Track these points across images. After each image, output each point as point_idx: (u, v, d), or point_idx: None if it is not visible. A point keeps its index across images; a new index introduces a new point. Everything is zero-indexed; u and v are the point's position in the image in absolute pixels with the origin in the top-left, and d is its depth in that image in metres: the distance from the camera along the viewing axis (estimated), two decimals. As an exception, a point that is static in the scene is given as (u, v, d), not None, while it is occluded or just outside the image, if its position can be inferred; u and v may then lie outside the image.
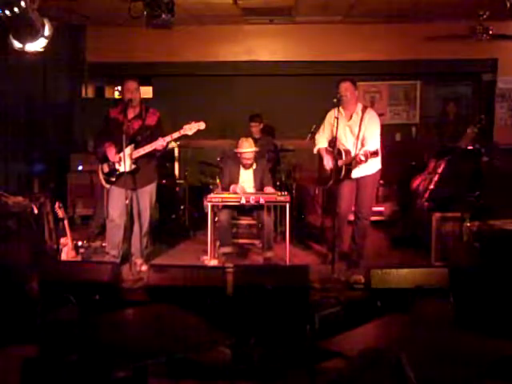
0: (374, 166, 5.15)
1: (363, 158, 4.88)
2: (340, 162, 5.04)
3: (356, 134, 5.12)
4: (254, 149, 5.64)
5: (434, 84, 8.26)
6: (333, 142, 5.24)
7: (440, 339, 2.65)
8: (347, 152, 5.09)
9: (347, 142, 5.15)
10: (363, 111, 5.14)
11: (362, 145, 5.07)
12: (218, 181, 6.43)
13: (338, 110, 4.95)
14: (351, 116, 5.15)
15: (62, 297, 3.46)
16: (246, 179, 5.71)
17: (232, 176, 5.69)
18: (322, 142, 5.35)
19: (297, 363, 3.24)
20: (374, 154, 4.86)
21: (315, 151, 5.42)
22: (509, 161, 6.57)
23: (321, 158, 5.39)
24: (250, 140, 5.73)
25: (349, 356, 2.30)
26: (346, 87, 5.05)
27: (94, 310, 3.51)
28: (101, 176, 5.27)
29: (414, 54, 7.73)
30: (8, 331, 3.25)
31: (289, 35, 7.90)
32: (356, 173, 5.14)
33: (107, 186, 5.23)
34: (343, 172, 5.08)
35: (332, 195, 5.23)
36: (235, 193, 5.47)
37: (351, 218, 5.44)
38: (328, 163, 5.20)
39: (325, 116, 5.36)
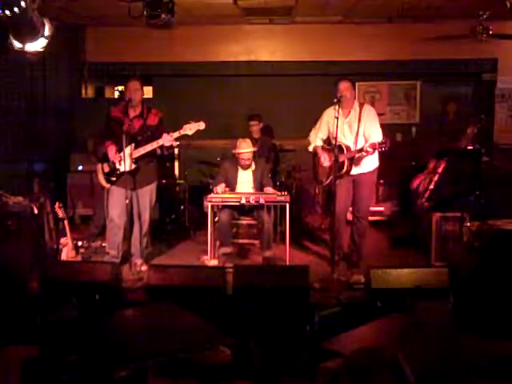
0: (371, 163, 5.15)
1: (370, 150, 4.85)
2: (342, 157, 5.02)
3: (355, 130, 5.11)
4: (251, 149, 5.63)
5: (434, 84, 8.26)
6: (329, 140, 5.25)
7: (440, 339, 2.65)
8: (348, 148, 5.09)
9: (346, 140, 5.14)
10: (360, 107, 5.16)
11: (365, 141, 5.06)
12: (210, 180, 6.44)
13: (338, 110, 4.95)
14: (349, 112, 5.16)
15: (62, 297, 3.46)
16: (246, 180, 5.71)
17: (229, 177, 5.68)
18: (317, 140, 5.34)
19: (297, 363, 3.24)
20: (382, 144, 4.79)
21: (311, 149, 5.41)
22: (509, 161, 6.57)
23: (316, 157, 5.39)
24: (248, 140, 5.73)
25: (347, 355, 2.30)
26: (345, 87, 5.06)
27: (94, 309, 3.51)
28: (100, 176, 5.26)
29: (414, 54, 7.73)
30: (8, 331, 3.25)
31: (289, 35, 7.90)
32: (354, 170, 5.13)
33: (107, 185, 5.23)
34: (345, 167, 5.05)
35: (331, 195, 5.22)
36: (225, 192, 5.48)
37: (350, 218, 5.44)
38: (325, 160, 5.18)
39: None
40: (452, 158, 6.01)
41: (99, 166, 5.26)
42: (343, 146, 5.04)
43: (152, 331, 2.79)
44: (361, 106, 5.19)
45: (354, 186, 5.21)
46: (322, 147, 5.31)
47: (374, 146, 4.83)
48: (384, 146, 4.79)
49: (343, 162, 5.03)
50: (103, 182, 5.25)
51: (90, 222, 6.60)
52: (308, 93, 7.75)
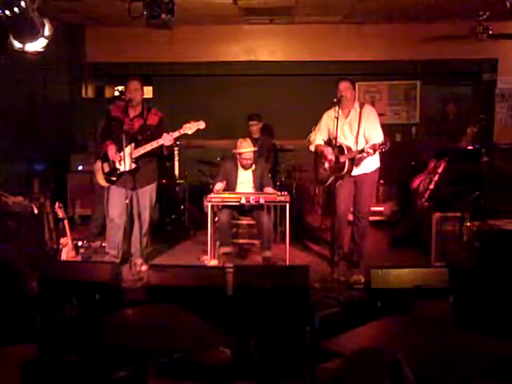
0: (372, 164, 5.15)
1: (371, 151, 4.86)
2: (342, 158, 5.01)
3: (356, 130, 5.11)
4: (252, 149, 5.63)
5: (434, 84, 8.26)
6: (329, 141, 5.25)
7: (440, 339, 2.65)
8: (349, 148, 5.08)
9: (346, 140, 5.14)
10: (361, 107, 5.16)
11: (366, 141, 5.07)
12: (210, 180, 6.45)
13: (338, 110, 4.94)
14: (349, 113, 5.15)
15: (62, 297, 3.46)
16: (246, 180, 5.70)
17: (229, 177, 5.67)
18: (318, 140, 5.34)
19: (297, 363, 3.24)
20: (383, 145, 4.80)
21: (312, 149, 5.40)
22: (509, 161, 6.57)
23: (316, 157, 5.38)
24: (249, 140, 5.72)
25: (347, 355, 2.30)
26: (345, 87, 5.06)
27: (94, 309, 3.51)
28: (98, 175, 5.27)
29: (414, 54, 7.73)
30: (8, 331, 3.24)
31: (289, 35, 7.90)
32: (355, 171, 5.13)
33: (106, 184, 5.23)
34: (346, 168, 5.05)
35: (331, 195, 5.21)
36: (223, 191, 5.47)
37: (350, 218, 5.44)
38: (329, 153, 5.09)
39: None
40: (452, 158, 6.01)
41: (98, 165, 5.26)
42: (344, 147, 5.04)
43: (152, 331, 2.78)
44: (361, 106, 5.19)
45: (356, 186, 5.21)
46: (325, 143, 5.30)
47: (374, 147, 4.84)
48: (384, 146, 4.79)
49: (344, 163, 5.02)
50: (101, 182, 5.26)
51: (90, 222, 6.60)
52: (308, 93, 7.75)
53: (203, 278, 3.75)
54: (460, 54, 7.62)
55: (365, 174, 5.16)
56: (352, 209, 5.35)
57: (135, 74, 6.40)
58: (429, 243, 5.37)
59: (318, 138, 5.33)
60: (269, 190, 5.55)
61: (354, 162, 5.08)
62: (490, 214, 5.03)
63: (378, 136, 5.01)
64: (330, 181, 5.18)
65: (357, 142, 5.11)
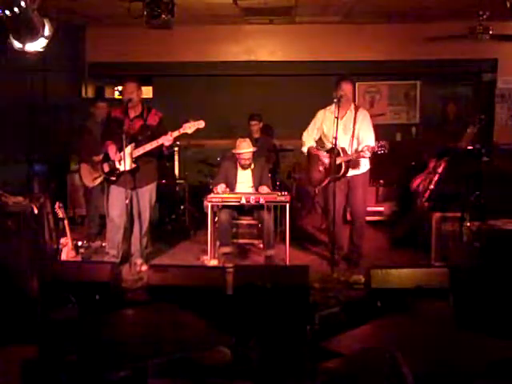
0: (364, 165, 5.23)
1: (368, 153, 4.91)
2: (339, 160, 5.03)
3: (350, 132, 5.17)
4: (251, 149, 5.62)
5: (434, 84, 8.26)
6: (321, 141, 5.28)
7: (440, 339, 2.65)
8: (343, 150, 5.12)
9: (340, 140, 5.15)
10: (355, 110, 5.20)
11: (358, 143, 5.11)
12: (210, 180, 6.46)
13: (338, 109, 4.95)
14: (345, 114, 5.20)
15: (62, 297, 3.46)
16: (245, 180, 5.70)
17: (229, 176, 5.67)
18: (310, 141, 5.38)
19: (297, 363, 3.24)
20: (382, 146, 4.85)
21: (305, 150, 5.43)
22: (509, 161, 6.57)
23: (310, 158, 5.40)
24: (248, 140, 5.72)
25: (347, 355, 2.30)
26: (347, 87, 5.09)
27: (93, 309, 3.51)
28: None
29: (414, 54, 7.73)
30: (8, 331, 3.25)
31: (289, 35, 7.90)
32: (348, 172, 5.18)
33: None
34: (343, 169, 5.09)
35: (327, 196, 5.25)
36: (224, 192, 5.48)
37: (350, 217, 5.47)
38: (325, 157, 5.19)
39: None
40: (452, 157, 6.01)
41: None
42: (339, 149, 5.07)
43: (152, 331, 2.79)
44: (356, 108, 5.24)
45: (349, 187, 5.26)
46: (317, 148, 5.35)
47: (373, 150, 4.87)
48: (383, 148, 4.84)
49: (340, 165, 5.06)
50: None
51: (87, 223, 6.60)
52: (308, 93, 7.75)
53: (203, 278, 3.75)
54: (460, 54, 7.63)
55: (356, 175, 5.23)
56: (348, 209, 5.39)
57: (135, 74, 6.41)
58: (429, 243, 5.37)
59: (311, 138, 5.36)
60: (263, 189, 5.53)
61: (350, 163, 5.12)
62: (490, 214, 5.03)
63: (370, 140, 5.08)
64: (325, 182, 5.22)
65: (351, 144, 5.17)
